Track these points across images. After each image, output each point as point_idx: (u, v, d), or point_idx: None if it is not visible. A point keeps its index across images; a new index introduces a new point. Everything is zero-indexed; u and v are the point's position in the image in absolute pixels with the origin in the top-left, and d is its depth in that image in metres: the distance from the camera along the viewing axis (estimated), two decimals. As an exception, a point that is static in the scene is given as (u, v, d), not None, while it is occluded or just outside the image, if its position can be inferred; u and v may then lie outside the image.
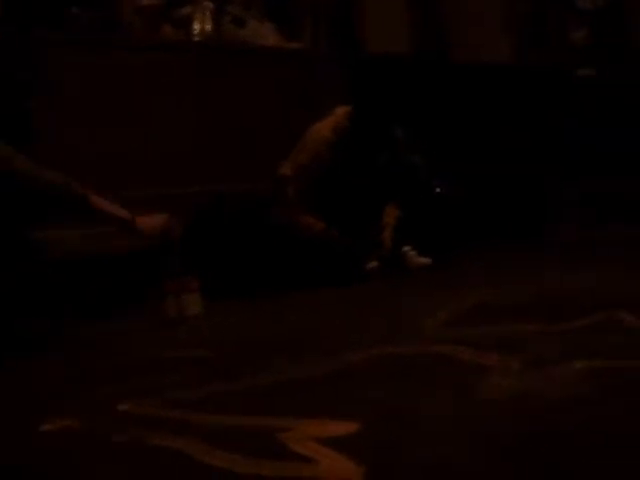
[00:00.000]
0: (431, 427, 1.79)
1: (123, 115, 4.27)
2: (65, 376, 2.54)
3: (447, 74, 5.74)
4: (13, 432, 1.99)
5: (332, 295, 3.69)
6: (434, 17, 6.36)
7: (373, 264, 4.07)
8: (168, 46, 4.67)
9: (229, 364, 2.53)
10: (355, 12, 5.78)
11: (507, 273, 3.96)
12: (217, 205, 4.03)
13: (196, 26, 4.81)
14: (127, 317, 3.32)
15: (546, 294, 3.30)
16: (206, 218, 3.95)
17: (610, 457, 1.57)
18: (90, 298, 3.31)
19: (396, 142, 4.24)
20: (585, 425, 1.74)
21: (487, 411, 1.88)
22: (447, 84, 5.63)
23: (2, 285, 2.86)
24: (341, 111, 4.20)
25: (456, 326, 2.83)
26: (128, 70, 4.32)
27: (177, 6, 4.84)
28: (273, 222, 4.06)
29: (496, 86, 5.93)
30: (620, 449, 1.61)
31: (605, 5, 7.60)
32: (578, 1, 7.49)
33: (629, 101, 6.88)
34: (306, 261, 3.91)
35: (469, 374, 2.17)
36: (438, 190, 4.43)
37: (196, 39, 4.81)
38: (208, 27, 4.82)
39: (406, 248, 4.19)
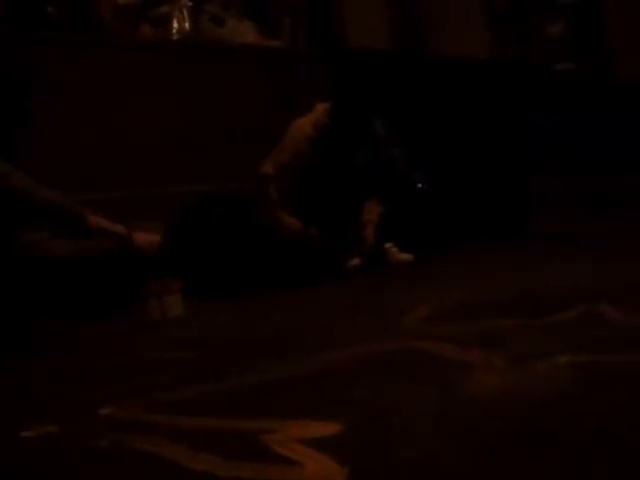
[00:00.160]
0: (415, 426, 1.78)
1: (105, 115, 4.26)
2: (48, 379, 2.52)
3: (426, 69, 5.74)
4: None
5: (316, 294, 3.68)
6: (413, 13, 6.37)
7: (355, 261, 4.07)
8: (148, 45, 4.65)
9: (213, 365, 2.51)
10: (334, 9, 5.78)
11: (489, 268, 3.97)
12: (205, 205, 4.02)
13: (175, 25, 4.79)
14: (111, 319, 3.30)
15: (529, 289, 3.30)
16: (194, 218, 3.94)
17: (595, 453, 1.57)
18: (76, 299, 3.29)
19: (376, 138, 4.23)
20: (569, 421, 1.74)
21: (471, 409, 1.87)
22: (426, 79, 5.64)
23: (2, 285, 2.86)
24: (321, 108, 4.19)
25: (438, 322, 2.83)
26: (108, 69, 4.31)
27: (155, 5, 4.82)
28: (257, 222, 4.05)
29: (475, 81, 5.94)
30: (605, 445, 1.60)
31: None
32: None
33: (608, 94, 6.92)
34: (288, 261, 3.90)
35: (452, 371, 2.17)
36: (419, 186, 4.43)
37: (175, 38, 4.79)
38: (186, 26, 4.80)
39: (388, 244, 4.19)
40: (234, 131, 4.73)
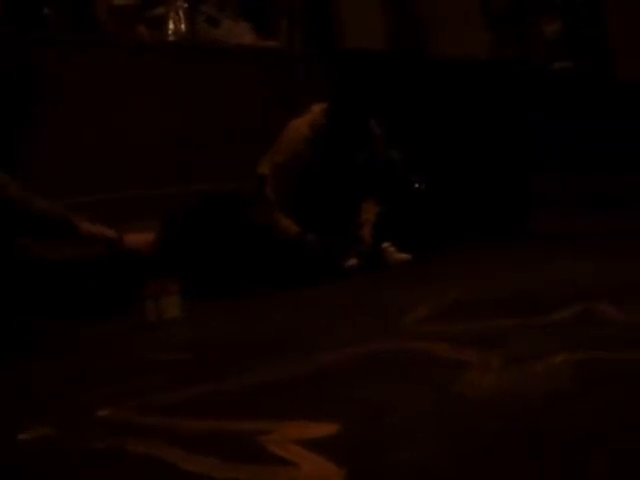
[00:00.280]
0: (413, 426, 1.78)
1: (103, 116, 4.26)
2: (46, 379, 2.52)
3: (424, 69, 5.74)
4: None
5: (315, 294, 3.68)
6: (411, 13, 6.36)
7: (352, 261, 4.07)
8: (144, 46, 4.65)
9: (212, 365, 2.51)
10: (331, 9, 5.78)
11: (489, 268, 3.96)
12: (203, 205, 4.02)
13: (171, 26, 4.79)
14: (110, 319, 3.29)
15: (528, 288, 3.30)
16: (193, 218, 3.94)
17: (593, 452, 1.56)
18: (75, 300, 3.29)
19: (373, 138, 4.23)
20: (567, 420, 1.73)
21: (468, 409, 1.87)
22: (425, 80, 5.63)
23: (2, 286, 2.87)
24: (318, 108, 4.18)
25: (438, 322, 2.82)
26: (105, 71, 4.31)
27: (151, 6, 4.82)
28: (255, 222, 4.04)
29: (474, 81, 5.93)
30: (603, 443, 1.60)
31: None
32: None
33: (607, 94, 6.91)
34: (286, 261, 3.90)
35: (450, 371, 2.16)
36: (417, 186, 4.42)
37: (171, 39, 4.79)
38: (182, 27, 4.80)
39: (385, 244, 4.18)
40: (232, 132, 4.73)
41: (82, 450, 1.81)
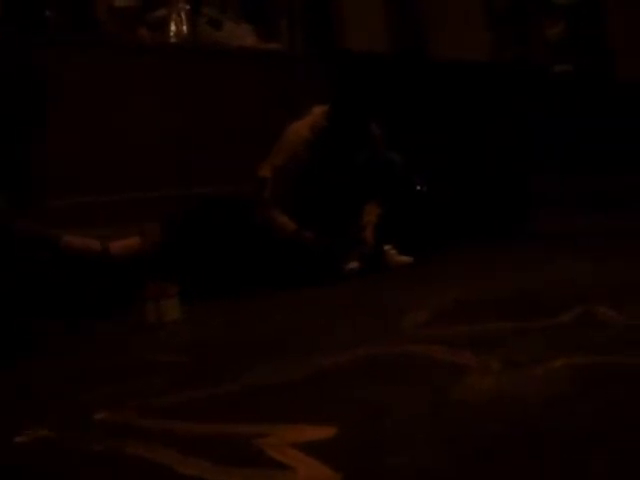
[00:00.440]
0: (412, 430, 1.77)
1: (103, 118, 4.25)
2: (45, 380, 2.52)
3: (425, 71, 5.73)
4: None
5: (314, 294, 3.68)
6: (412, 15, 6.36)
7: (354, 264, 4.06)
8: (146, 48, 4.65)
9: (212, 367, 2.51)
10: (332, 10, 5.78)
11: (489, 269, 3.95)
12: (204, 207, 4.03)
13: (172, 28, 4.78)
14: (110, 320, 3.29)
15: (527, 289, 3.30)
16: (193, 220, 3.94)
17: (593, 454, 1.56)
18: (76, 300, 3.29)
19: (374, 140, 4.23)
20: (567, 423, 1.73)
21: (466, 413, 1.86)
22: (426, 81, 5.63)
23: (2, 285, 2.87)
24: (318, 110, 4.18)
25: (438, 324, 2.82)
26: (106, 73, 4.30)
27: (152, 9, 4.81)
28: (255, 223, 4.04)
29: (475, 82, 5.93)
30: (603, 446, 1.59)
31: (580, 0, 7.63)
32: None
33: (607, 95, 6.91)
34: (284, 261, 3.90)
35: (448, 375, 2.15)
36: (418, 188, 4.42)
37: (172, 41, 4.79)
38: (184, 29, 4.79)
39: (387, 247, 4.17)
40: (233, 134, 4.72)
41: (80, 452, 1.81)
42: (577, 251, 4.27)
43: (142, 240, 3.27)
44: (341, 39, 5.70)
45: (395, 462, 1.60)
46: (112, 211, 4.14)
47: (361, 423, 1.83)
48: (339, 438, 1.74)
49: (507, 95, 6.13)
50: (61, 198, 3.96)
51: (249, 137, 4.67)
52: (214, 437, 1.82)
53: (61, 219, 3.86)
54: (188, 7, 4.87)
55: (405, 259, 4.17)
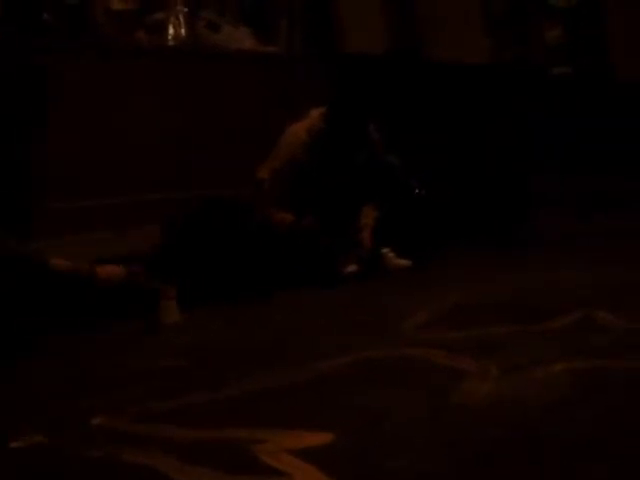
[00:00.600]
0: (411, 434, 1.77)
1: (102, 121, 4.25)
2: (45, 385, 2.50)
3: (424, 73, 5.73)
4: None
5: (314, 297, 3.66)
6: (410, 16, 6.35)
7: (352, 267, 4.05)
8: (144, 51, 4.64)
9: (211, 372, 2.50)
10: (331, 12, 5.77)
11: (489, 272, 3.94)
12: (203, 210, 4.02)
13: (170, 31, 4.78)
14: (111, 326, 3.28)
15: (527, 292, 3.29)
16: (192, 223, 3.94)
17: (593, 458, 1.56)
18: (74, 310, 3.28)
19: (372, 142, 4.22)
20: (567, 427, 1.72)
21: (466, 417, 1.86)
22: (424, 83, 5.62)
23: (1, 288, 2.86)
24: (316, 113, 4.18)
25: (437, 328, 2.81)
26: (106, 76, 4.29)
27: (150, 12, 4.81)
28: (255, 226, 4.04)
29: (474, 84, 5.92)
30: (603, 450, 1.59)
31: (579, 2, 7.62)
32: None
33: (607, 96, 6.90)
34: (284, 263, 3.89)
35: (448, 379, 2.15)
36: (417, 191, 4.41)
37: (171, 44, 4.78)
38: (182, 32, 4.79)
39: (385, 250, 4.16)
40: (233, 136, 4.72)
41: (76, 458, 1.80)
42: (577, 253, 4.25)
43: (126, 273, 3.27)
44: (340, 41, 5.69)
45: (394, 466, 1.59)
46: (112, 214, 4.14)
47: (360, 428, 1.83)
48: (337, 444, 1.73)
49: (506, 96, 6.12)
50: (61, 202, 3.96)
51: (249, 139, 4.67)
52: (212, 443, 1.82)
53: (61, 220, 3.87)
54: (186, 10, 4.86)
55: (404, 262, 4.16)
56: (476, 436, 1.73)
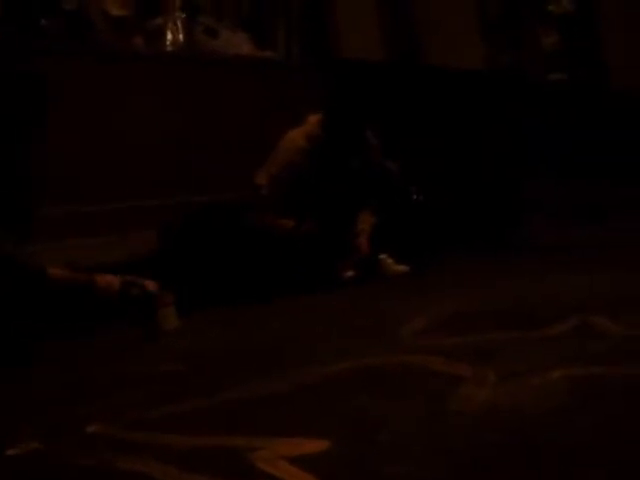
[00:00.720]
0: (409, 441, 1.76)
1: (100, 126, 4.25)
2: (42, 391, 2.50)
3: (420, 79, 5.74)
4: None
5: (313, 303, 3.66)
6: (407, 22, 6.36)
7: (350, 273, 4.05)
8: (141, 57, 4.65)
9: (209, 378, 2.49)
10: (328, 19, 5.78)
11: (486, 278, 3.94)
12: (201, 215, 4.02)
13: (168, 37, 4.78)
14: (109, 332, 3.28)
15: (526, 300, 3.29)
16: (191, 228, 3.94)
17: (591, 465, 1.55)
18: (72, 316, 3.27)
19: (369, 148, 4.23)
20: (565, 434, 1.72)
21: (463, 424, 1.85)
22: (420, 89, 5.63)
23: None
24: (313, 119, 4.18)
25: (435, 335, 2.81)
26: (104, 80, 4.30)
27: (149, 17, 4.81)
28: (253, 230, 4.04)
29: (468, 90, 5.93)
30: (601, 457, 1.59)
31: (575, 10, 7.64)
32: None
33: (601, 105, 6.92)
34: (283, 268, 3.89)
35: (445, 386, 2.15)
36: (415, 197, 4.41)
37: (169, 49, 4.79)
38: (180, 38, 4.79)
39: (383, 255, 4.17)
40: (230, 142, 4.72)
41: (71, 466, 1.79)
42: (573, 262, 4.25)
43: (120, 284, 3.26)
44: (337, 47, 5.70)
45: (392, 473, 1.59)
46: (112, 218, 4.14)
47: (358, 435, 1.82)
48: (334, 451, 1.73)
49: (501, 102, 6.13)
50: (60, 205, 3.96)
51: (247, 144, 4.67)
52: (210, 450, 1.81)
53: (60, 224, 3.86)
54: (184, 16, 4.87)
55: (401, 268, 4.16)
56: (474, 442, 1.73)
